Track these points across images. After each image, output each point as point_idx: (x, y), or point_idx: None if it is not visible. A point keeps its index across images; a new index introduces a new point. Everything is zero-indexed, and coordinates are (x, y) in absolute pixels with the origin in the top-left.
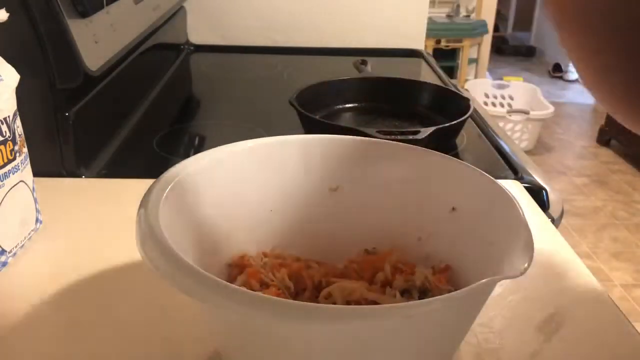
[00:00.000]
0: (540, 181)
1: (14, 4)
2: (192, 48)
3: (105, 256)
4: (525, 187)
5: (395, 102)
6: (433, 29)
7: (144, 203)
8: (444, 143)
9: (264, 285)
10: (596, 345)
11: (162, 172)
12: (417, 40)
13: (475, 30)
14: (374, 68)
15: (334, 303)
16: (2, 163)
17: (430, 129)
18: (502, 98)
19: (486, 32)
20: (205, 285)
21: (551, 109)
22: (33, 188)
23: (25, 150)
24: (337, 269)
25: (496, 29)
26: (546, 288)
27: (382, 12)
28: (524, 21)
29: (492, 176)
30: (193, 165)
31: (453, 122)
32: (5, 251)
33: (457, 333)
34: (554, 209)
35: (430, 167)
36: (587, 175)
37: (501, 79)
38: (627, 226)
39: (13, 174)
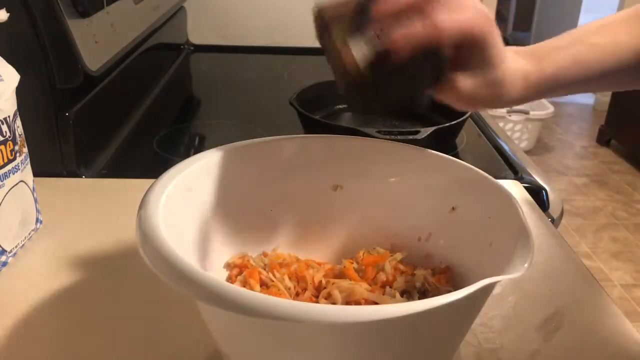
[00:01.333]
0: (540, 181)
1: (14, 4)
2: (192, 48)
3: (105, 256)
4: (525, 187)
5: None
6: None
7: (144, 203)
8: (444, 143)
9: (264, 285)
10: (596, 345)
11: (162, 172)
12: None
13: None
14: None
15: (334, 303)
16: (2, 163)
17: (430, 129)
18: None
19: None
20: (205, 285)
21: (551, 109)
22: (33, 188)
23: (25, 150)
24: (337, 269)
25: None
26: (546, 288)
27: None
28: (524, 21)
29: (492, 176)
30: (193, 165)
31: (453, 122)
32: (5, 251)
33: (457, 333)
34: (554, 209)
35: (430, 167)
36: (587, 175)
37: None
38: (627, 226)
39: (13, 174)
